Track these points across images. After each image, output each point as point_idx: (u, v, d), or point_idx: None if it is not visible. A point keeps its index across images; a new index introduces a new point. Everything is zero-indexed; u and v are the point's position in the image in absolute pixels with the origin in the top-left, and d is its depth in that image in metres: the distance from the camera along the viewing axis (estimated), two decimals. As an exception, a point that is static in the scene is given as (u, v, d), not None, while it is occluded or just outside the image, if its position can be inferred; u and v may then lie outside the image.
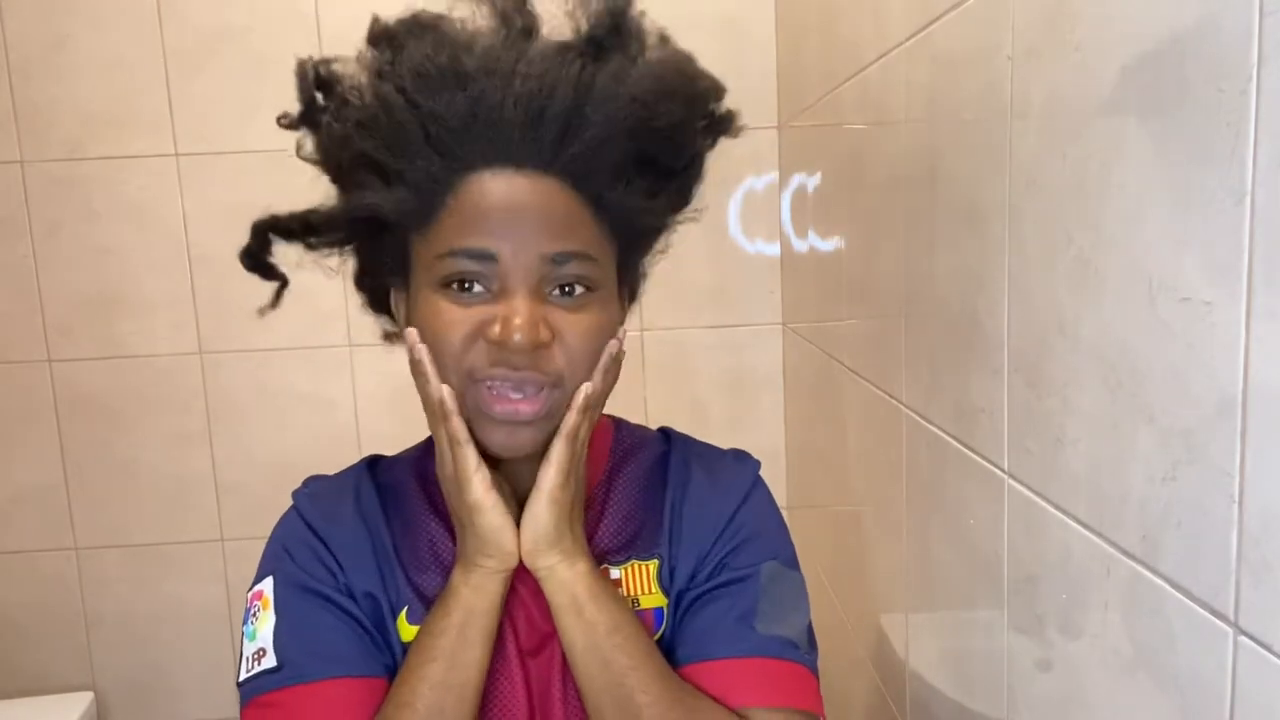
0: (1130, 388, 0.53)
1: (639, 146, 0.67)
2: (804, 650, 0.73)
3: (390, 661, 0.72)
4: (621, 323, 0.73)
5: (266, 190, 1.90)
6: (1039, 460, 0.66)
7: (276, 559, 0.76)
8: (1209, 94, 0.45)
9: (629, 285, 0.76)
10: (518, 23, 0.68)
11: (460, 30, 0.68)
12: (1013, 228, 0.68)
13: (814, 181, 1.42)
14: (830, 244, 1.33)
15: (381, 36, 0.69)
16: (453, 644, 0.67)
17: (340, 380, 1.69)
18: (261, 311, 0.75)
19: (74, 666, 1.76)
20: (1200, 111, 0.46)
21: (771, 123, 1.67)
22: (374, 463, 0.82)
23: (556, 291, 0.65)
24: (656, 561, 0.74)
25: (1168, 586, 0.51)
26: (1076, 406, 0.60)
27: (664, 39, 0.71)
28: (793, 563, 0.78)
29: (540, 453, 0.68)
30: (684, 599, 0.74)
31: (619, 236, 0.69)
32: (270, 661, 0.69)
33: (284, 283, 0.76)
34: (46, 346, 1.67)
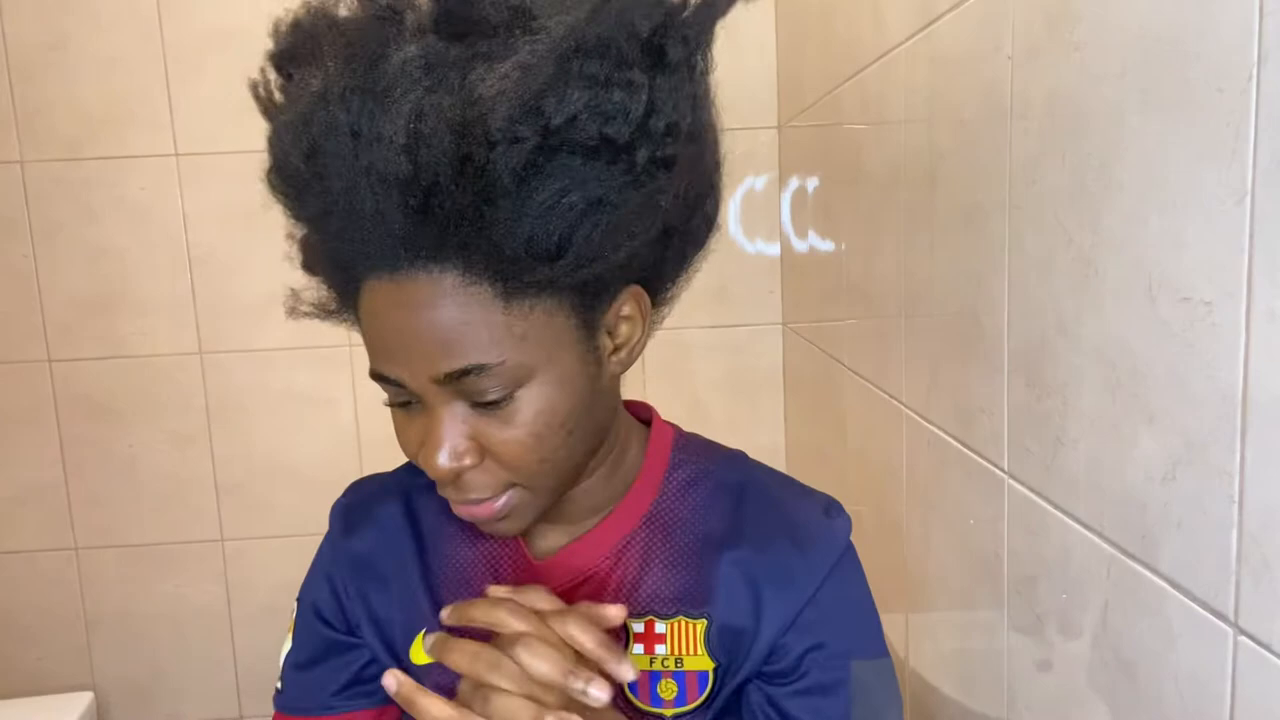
0: (1130, 388, 0.53)
1: (531, 179, 0.50)
2: None
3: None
4: (631, 338, 0.62)
5: (266, 190, 1.88)
6: (1039, 460, 0.66)
7: (307, 581, 0.76)
8: (1209, 94, 0.45)
9: (645, 281, 0.62)
10: (381, 17, 0.54)
11: (336, 43, 0.54)
12: (1013, 228, 0.68)
13: (814, 181, 1.42)
14: (830, 244, 1.33)
15: (280, 60, 0.58)
16: None
17: (340, 380, 1.69)
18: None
19: (74, 666, 1.76)
20: (1200, 111, 0.46)
21: (771, 123, 1.67)
22: (415, 470, 0.76)
23: (480, 401, 0.56)
24: (706, 622, 0.65)
25: (1168, 586, 0.51)
26: (1076, 406, 0.60)
27: None
28: (883, 651, 0.68)
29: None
30: (750, 685, 0.66)
31: (557, 292, 0.55)
32: (278, 684, 0.75)
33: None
34: (46, 346, 1.67)
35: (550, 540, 0.69)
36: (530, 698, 0.54)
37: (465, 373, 0.54)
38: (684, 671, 0.66)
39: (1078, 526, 0.61)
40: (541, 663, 0.53)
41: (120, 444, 1.70)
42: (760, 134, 1.67)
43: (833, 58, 1.24)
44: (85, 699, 1.69)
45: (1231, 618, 0.45)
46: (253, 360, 1.69)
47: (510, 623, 0.56)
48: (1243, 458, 0.44)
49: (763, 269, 1.71)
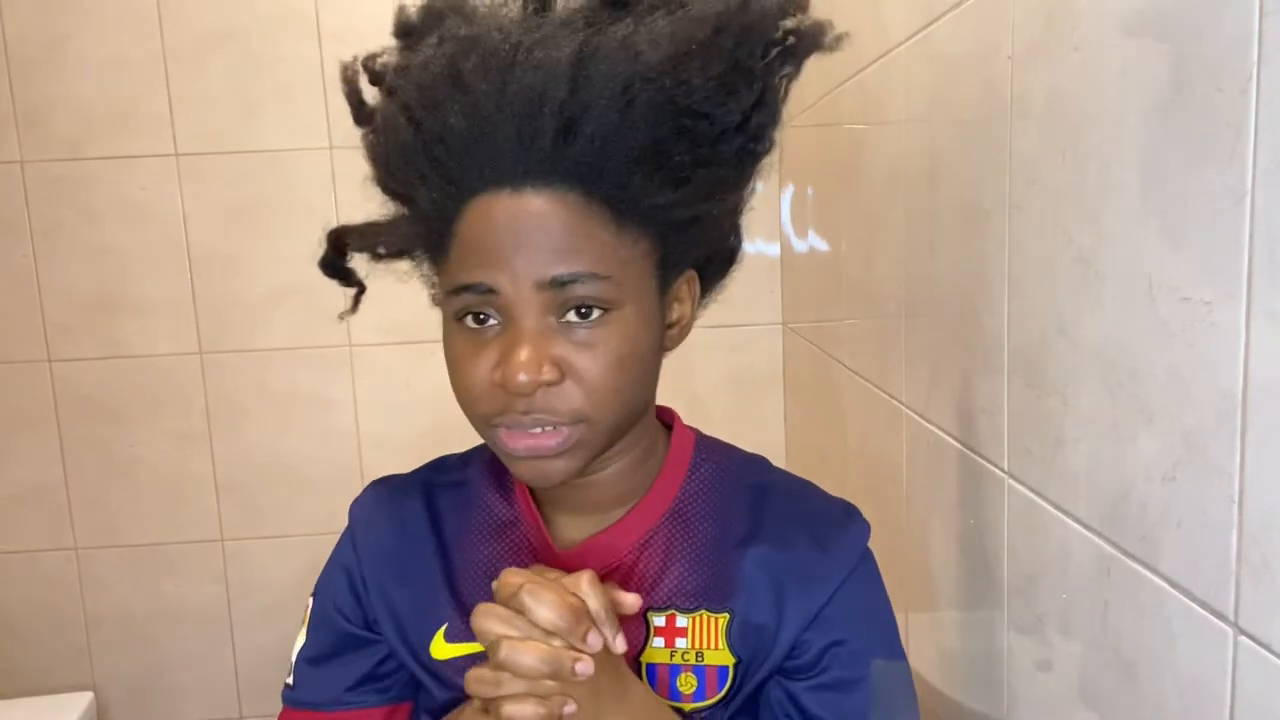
0: (1130, 388, 0.53)
1: (665, 124, 0.58)
2: None
3: (407, 685, 0.73)
4: (685, 316, 0.68)
5: (266, 190, 1.91)
6: (1039, 460, 0.66)
7: (324, 575, 0.76)
8: (1209, 94, 0.45)
9: (700, 266, 0.69)
10: None
11: (479, 13, 0.62)
12: (1013, 228, 0.68)
13: (814, 182, 1.41)
14: (830, 244, 1.33)
15: (404, 31, 0.65)
16: None
17: (340, 380, 1.69)
18: (342, 316, 0.73)
19: (74, 666, 1.76)
20: (1200, 111, 0.46)
21: (771, 123, 1.67)
22: (442, 462, 0.78)
23: (572, 315, 0.59)
24: (728, 617, 0.66)
25: (1168, 586, 0.51)
26: (1076, 406, 0.60)
27: None
28: (902, 654, 0.69)
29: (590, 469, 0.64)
30: (769, 681, 0.67)
31: (654, 232, 0.61)
32: (290, 678, 0.75)
33: (362, 288, 0.73)
34: (46, 346, 1.67)
35: (575, 532, 0.70)
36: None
37: (574, 279, 0.58)
38: (704, 666, 0.66)
39: (1078, 526, 0.61)
40: (528, 655, 0.53)
41: (120, 444, 1.70)
42: (760, 134, 1.67)
43: (833, 58, 1.23)
44: (85, 699, 1.69)
45: (1231, 618, 0.45)
46: (253, 360, 1.69)
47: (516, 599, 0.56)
48: (1243, 458, 0.44)
49: (763, 269, 1.71)
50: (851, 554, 0.68)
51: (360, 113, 0.68)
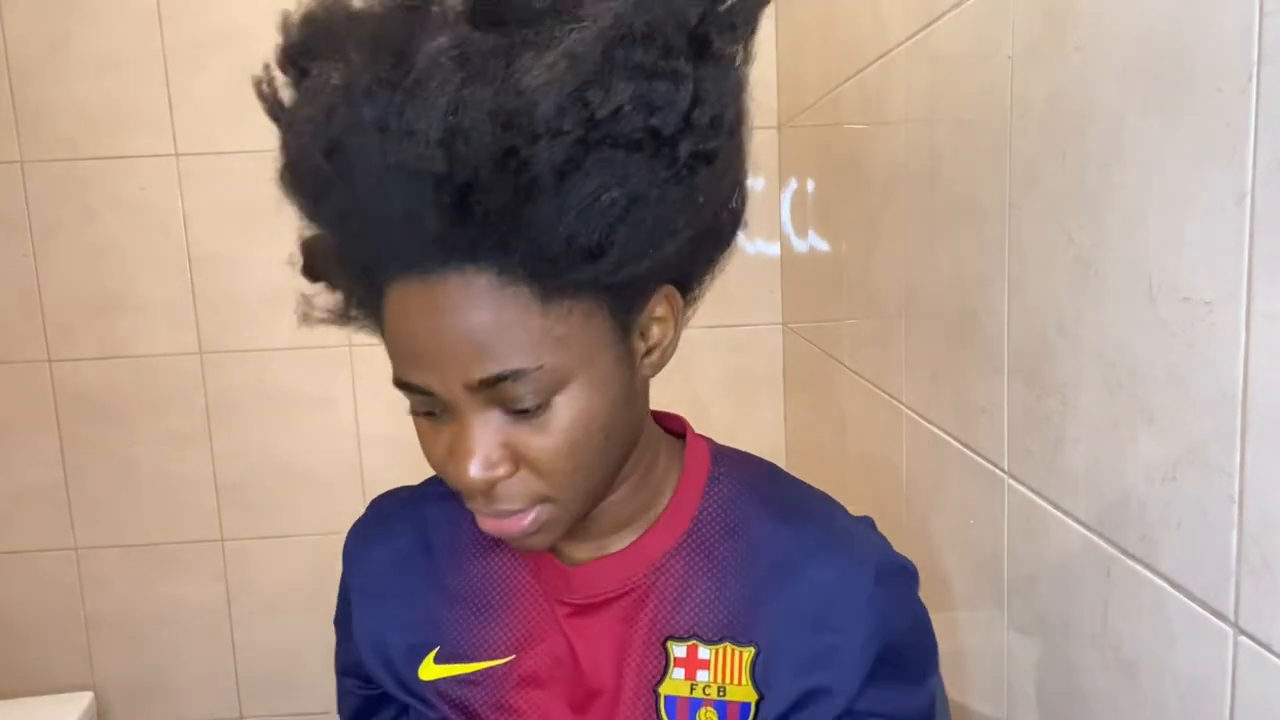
0: (1130, 388, 0.53)
1: (576, 173, 0.48)
2: None
3: (401, 708, 0.73)
4: (664, 338, 0.59)
5: (266, 190, 1.89)
6: (1039, 460, 0.66)
7: (339, 630, 0.76)
8: (1209, 94, 0.45)
9: (687, 278, 0.61)
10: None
11: (356, 38, 0.51)
12: (1013, 228, 0.68)
13: (814, 181, 1.41)
14: (830, 244, 1.33)
15: (290, 59, 0.56)
16: None
17: (340, 380, 1.69)
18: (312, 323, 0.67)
19: (74, 666, 1.76)
20: (1200, 111, 0.46)
21: (771, 123, 1.68)
22: (435, 480, 0.72)
23: (515, 406, 0.53)
24: (754, 651, 0.61)
25: (1168, 586, 0.51)
26: (1076, 406, 0.60)
27: None
28: (935, 684, 0.67)
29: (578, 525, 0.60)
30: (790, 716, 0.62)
31: (594, 294, 0.53)
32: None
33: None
34: (46, 346, 1.67)
35: (581, 554, 0.66)
36: None
37: (501, 379, 0.51)
38: (726, 702, 0.61)
39: (1078, 526, 0.61)
40: None
41: (120, 444, 1.70)
42: (760, 134, 1.67)
43: (833, 58, 1.24)
44: (85, 699, 1.69)
45: (1231, 618, 0.45)
46: (253, 360, 1.69)
47: None
48: (1243, 458, 0.44)
49: (763, 269, 1.71)
50: (890, 577, 0.62)
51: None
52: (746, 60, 0.57)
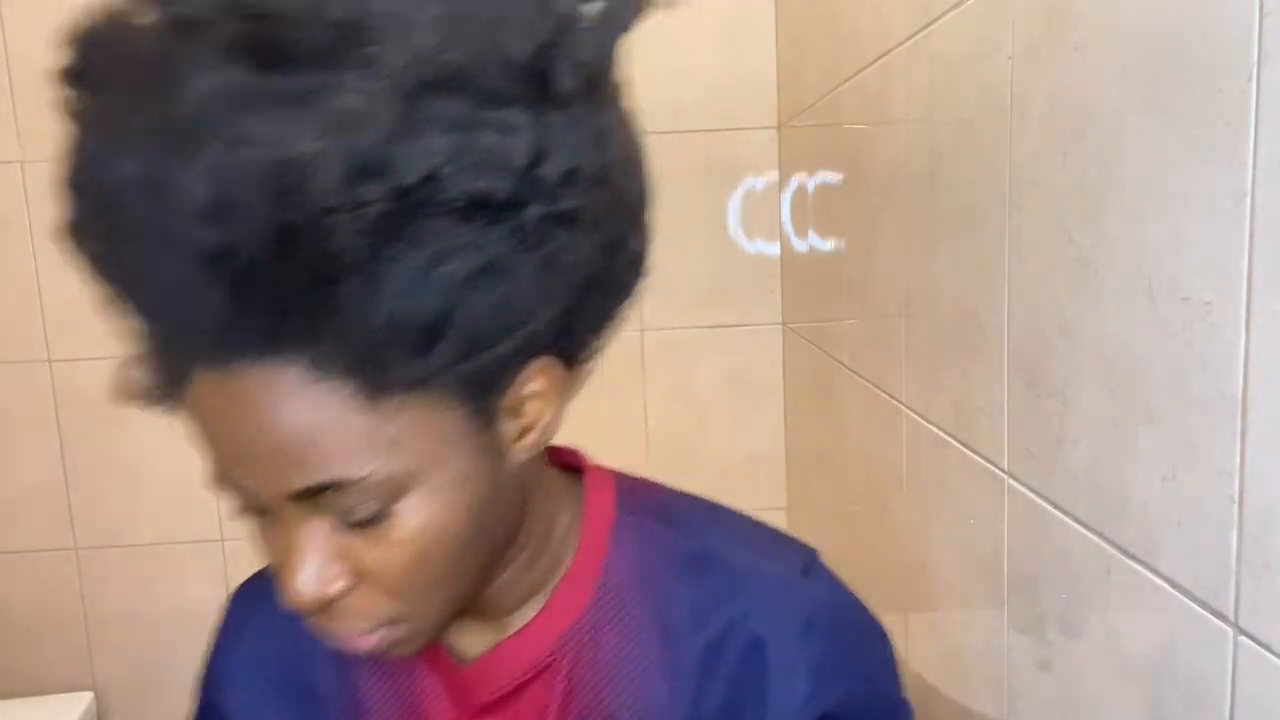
0: (1130, 388, 0.53)
1: (387, 246, 0.39)
2: None
3: None
4: (538, 419, 0.49)
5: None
6: (1039, 460, 0.66)
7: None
8: (1209, 94, 0.45)
9: (570, 343, 0.49)
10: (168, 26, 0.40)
11: (119, 58, 0.41)
12: (1013, 228, 0.68)
13: (814, 181, 1.41)
14: (830, 244, 1.33)
15: (69, 78, 0.43)
16: None
17: (340, 380, 1.69)
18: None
19: (74, 666, 1.76)
20: (1200, 111, 0.46)
21: (771, 123, 1.67)
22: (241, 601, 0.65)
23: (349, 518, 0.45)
24: None
25: (1168, 586, 0.51)
26: (1076, 406, 0.60)
27: None
28: (905, 702, 0.58)
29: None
30: None
31: (438, 383, 0.43)
32: None
33: None
34: (46, 346, 1.67)
35: (475, 642, 0.57)
36: None
37: (322, 489, 0.43)
38: None
39: (1078, 526, 0.61)
40: None
41: (120, 444, 1.70)
42: (760, 134, 1.67)
43: (833, 58, 1.24)
44: (85, 699, 1.69)
45: (1231, 618, 0.45)
46: (253, 360, 1.69)
47: None
48: (1243, 458, 0.44)
49: (763, 269, 1.71)
50: (822, 624, 0.54)
51: None
52: (617, 96, 0.48)
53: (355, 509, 0.44)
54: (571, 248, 0.44)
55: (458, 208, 0.40)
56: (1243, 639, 0.45)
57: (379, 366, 0.41)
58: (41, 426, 1.69)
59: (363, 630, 0.47)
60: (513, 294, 0.42)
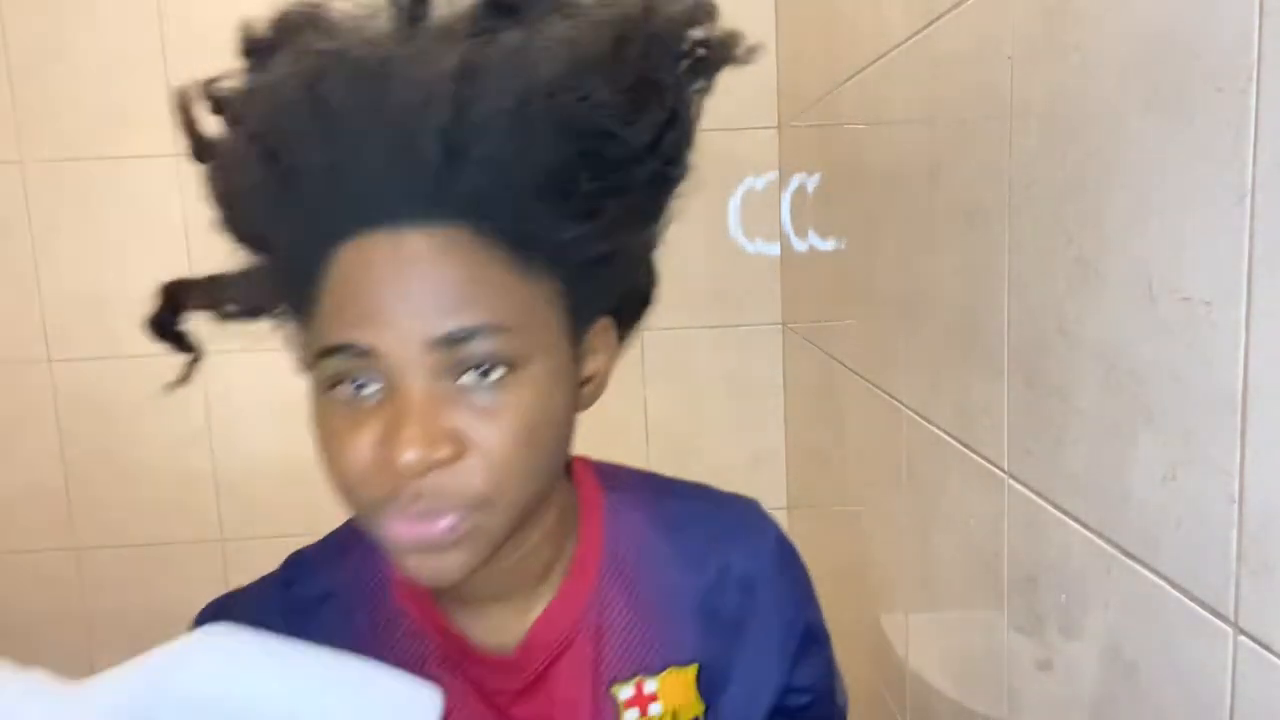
0: (1130, 388, 0.53)
1: (566, 146, 0.49)
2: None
3: None
4: (600, 369, 0.58)
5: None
6: (1039, 460, 0.66)
7: None
8: (1209, 94, 0.45)
9: (617, 312, 0.60)
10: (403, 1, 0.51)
11: (340, 27, 0.52)
12: (1013, 228, 0.68)
13: (814, 181, 1.41)
14: (830, 244, 1.33)
15: (252, 49, 0.55)
16: None
17: (340, 380, 1.69)
18: (168, 388, 0.63)
19: (74, 666, 1.76)
20: (1200, 111, 0.46)
21: (771, 123, 1.67)
22: (297, 565, 0.65)
23: (470, 377, 0.49)
24: (696, 666, 0.62)
25: (1168, 586, 0.51)
26: (1076, 406, 0.60)
27: None
28: (828, 637, 0.70)
29: (498, 565, 0.54)
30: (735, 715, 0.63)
31: (563, 271, 0.52)
32: None
33: (197, 356, 0.64)
34: (46, 346, 1.67)
35: (497, 629, 0.60)
36: None
37: (471, 335, 0.48)
38: None
39: (1078, 526, 0.61)
40: None
41: (120, 444, 1.70)
42: (760, 134, 1.67)
43: (833, 58, 1.24)
44: (85, 699, 1.69)
45: (1231, 618, 0.45)
46: (253, 360, 1.69)
47: None
48: (1243, 458, 0.44)
49: (763, 269, 1.71)
50: (778, 558, 0.65)
51: (199, 146, 0.57)
52: (699, 113, 0.56)
53: (489, 358, 0.49)
54: (660, 211, 0.56)
55: (610, 134, 0.49)
56: (1243, 639, 0.45)
57: (533, 239, 0.50)
58: (41, 426, 1.69)
59: (446, 511, 0.49)
60: (628, 214, 0.53)
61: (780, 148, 1.68)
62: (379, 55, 0.48)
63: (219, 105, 0.56)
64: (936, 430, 0.88)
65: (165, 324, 0.62)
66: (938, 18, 0.82)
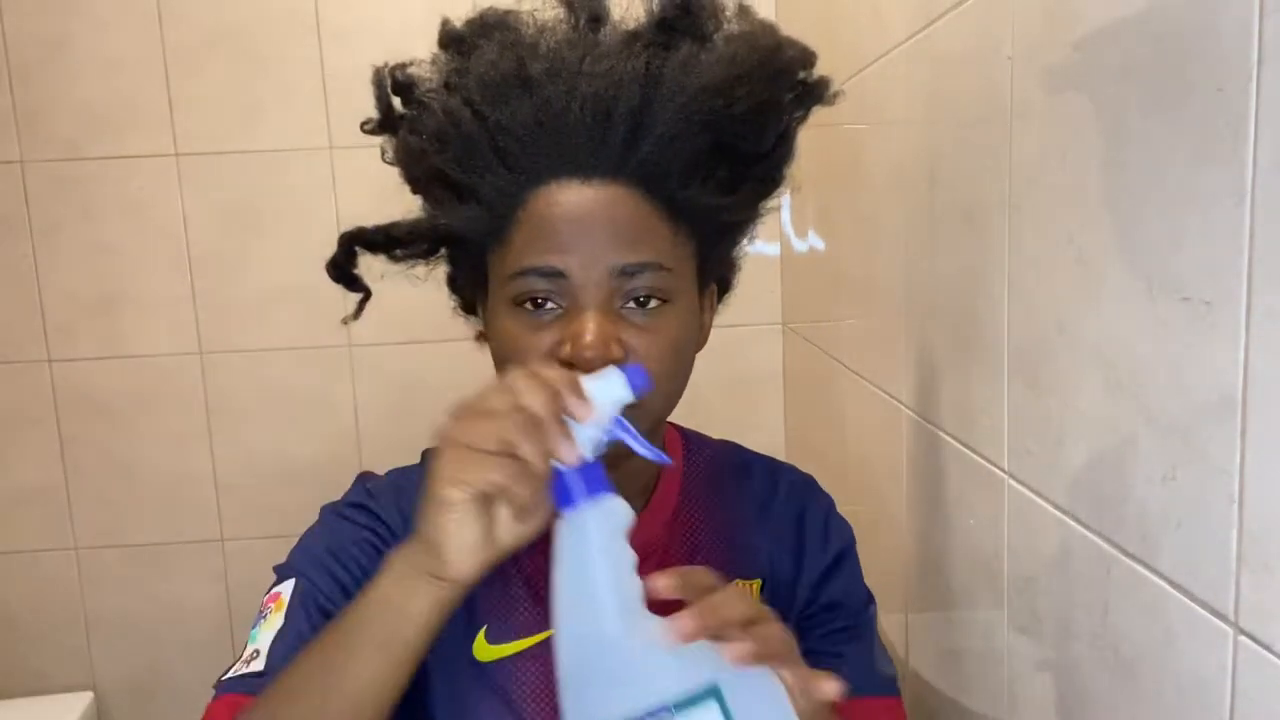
0: (1130, 388, 0.53)
1: (715, 138, 0.64)
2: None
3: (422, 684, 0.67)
4: (706, 324, 0.73)
5: (266, 190, 1.90)
6: (1039, 460, 0.66)
7: (308, 563, 0.69)
8: (1209, 94, 0.45)
9: (717, 280, 0.76)
10: (585, 11, 0.67)
11: (529, 26, 0.67)
12: (1013, 228, 0.68)
13: (814, 182, 1.41)
14: (830, 244, 1.33)
15: (451, 40, 0.69)
16: (343, 640, 0.55)
17: (340, 380, 1.69)
18: (345, 320, 0.75)
19: (74, 666, 1.76)
20: (1200, 111, 0.46)
21: (771, 123, 1.67)
22: (411, 469, 0.77)
23: (631, 304, 0.63)
24: (760, 582, 0.74)
25: (1168, 586, 0.51)
26: (1076, 406, 0.60)
27: (744, 9, 0.69)
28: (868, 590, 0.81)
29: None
30: (800, 628, 0.73)
31: (699, 236, 0.67)
32: (259, 665, 0.65)
33: (367, 294, 0.74)
34: (46, 346, 1.67)
35: None
36: None
37: (642, 269, 0.62)
38: None
39: (1078, 526, 0.61)
40: None
41: (120, 444, 1.70)
42: (760, 134, 1.67)
43: (833, 57, 1.23)
44: (85, 699, 1.69)
45: (1231, 618, 0.45)
46: (253, 360, 1.69)
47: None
48: (1243, 458, 0.44)
49: (763, 269, 1.71)
50: (841, 519, 0.79)
51: (388, 118, 0.71)
52: (795, 136, 0.72)
53: (655, 290, 0.63)
54: (760, 210, 0.73)
55: (745, 134, 0.66)
56: (1243, 639, 0.45)
57: (686, 203, 0.65)
58: (41, 426, 1.69)
59: None
60: (753, 200, 0.70)
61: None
62: (575, 49, 0.64)
63: (399, 87, 0.70)
64: (936, 430, 0.88)
65: (342, 267, 0.72)
66: (938, 18, 0.82)
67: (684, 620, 0.47)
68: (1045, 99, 0.62)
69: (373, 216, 0.72)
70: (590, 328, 0.60)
